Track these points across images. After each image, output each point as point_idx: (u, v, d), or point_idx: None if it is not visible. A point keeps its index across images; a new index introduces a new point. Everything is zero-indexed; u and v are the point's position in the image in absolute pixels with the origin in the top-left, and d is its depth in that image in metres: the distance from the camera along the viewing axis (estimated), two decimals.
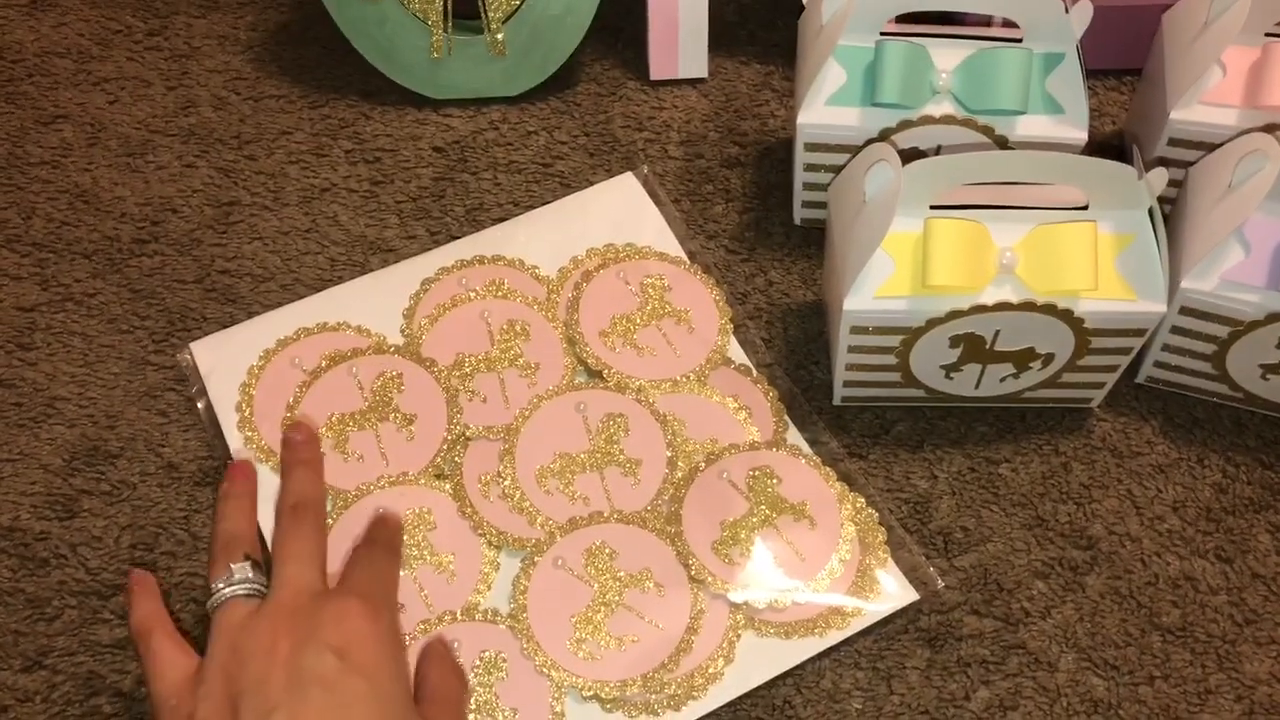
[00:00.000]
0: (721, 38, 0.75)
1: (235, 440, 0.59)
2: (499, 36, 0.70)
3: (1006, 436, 0.61)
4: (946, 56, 0.59)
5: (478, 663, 0.53)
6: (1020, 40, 0.59)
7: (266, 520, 0.55)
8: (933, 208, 0.54)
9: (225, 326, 0.63)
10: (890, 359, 0.57)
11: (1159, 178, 0.52)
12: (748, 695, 0.53)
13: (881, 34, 0.60)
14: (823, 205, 0.65)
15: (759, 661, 0.53)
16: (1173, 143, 0.60)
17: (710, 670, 0.53)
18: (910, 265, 0.54)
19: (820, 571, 0.55)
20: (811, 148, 0.62)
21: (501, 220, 0.68)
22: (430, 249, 0.66)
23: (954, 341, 0.55)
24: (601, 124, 0.72)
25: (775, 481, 0.57)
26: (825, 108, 0.60)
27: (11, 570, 0.56)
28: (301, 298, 0.64)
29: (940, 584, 0.55)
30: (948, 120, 0.59)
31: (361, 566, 0.50)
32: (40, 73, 0.75)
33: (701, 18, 0.71)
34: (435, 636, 0.53)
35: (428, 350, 0.61)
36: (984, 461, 0.60)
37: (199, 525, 0.58)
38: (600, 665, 0.52)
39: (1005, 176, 0.53)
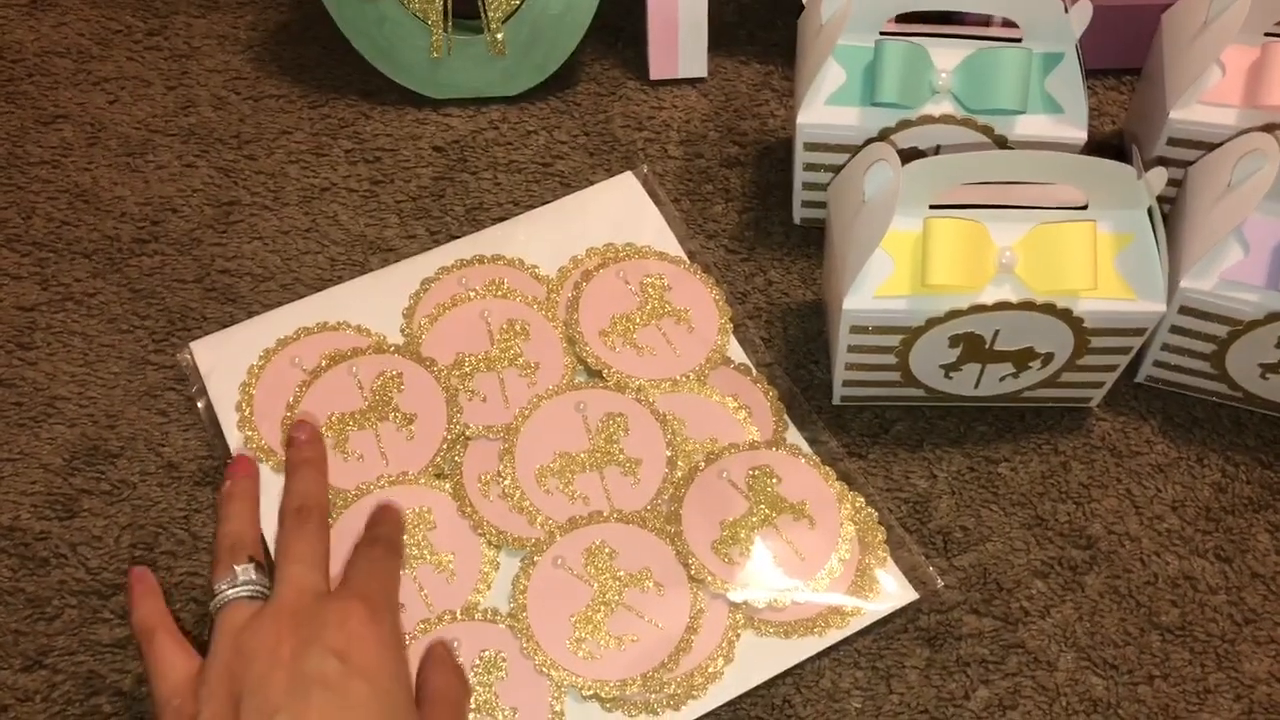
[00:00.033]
0: (721, 37, 0.75)
1: (235, 440, 0.59)
2: (499, 36, 0.70)
3: (1006, 436, 0.61)
4: (946, 56, 0.59)
5: (477, 662, 0.53)
6: (1020, 40, 0.59)
7: (267, 520, 0.55)
8: (932, 207, 0.54)
9: (225, 326, 0.63)
10: (890, 358, 0.57)
11: (1158, 177, 0.52)
12: (747, 694, 0.53)
13: (881, 34, 0.60)
14: (822, 205, 0.65)
15: (759, 661, 0.53)
16: (1172, 142, 0.60)
17: (710, 669, 0.53)
18: (910, 265, 0.54)
19: (820, 571, 0.55)
20: (811, 147, 0.62)
21: (501, 220, 0.68)
22: (430, 248, 0.66)
23: (953, 341, 0.55)
24: (601, 123, 0.72)
25: (775, 481, 0.57)
26: (825, 107, 0.60)
27: (11, 570, 0.56)
28: (301, 297, 0.64)
29: (939, 583, 0.56)
30: (947, 120, 0.59)
31: (363, 567, 0.50)
32: (40, 72, 0.75)
33: (701, 17, 0.71)
34: (437, 639, 0.53)
35: (428, 350, 0.61)
36: (983, 461, 0.60)
37: (199, 525, 0.58)
38: (600, 665, 0.52)
39: (1004, 176, 0.53)
